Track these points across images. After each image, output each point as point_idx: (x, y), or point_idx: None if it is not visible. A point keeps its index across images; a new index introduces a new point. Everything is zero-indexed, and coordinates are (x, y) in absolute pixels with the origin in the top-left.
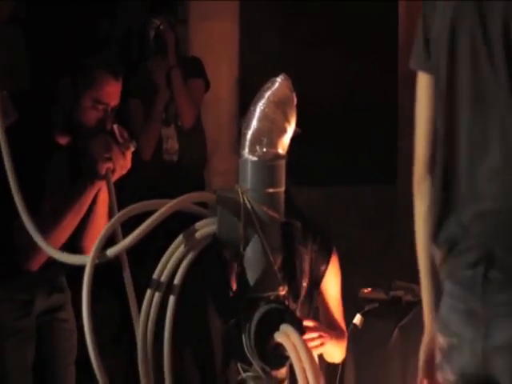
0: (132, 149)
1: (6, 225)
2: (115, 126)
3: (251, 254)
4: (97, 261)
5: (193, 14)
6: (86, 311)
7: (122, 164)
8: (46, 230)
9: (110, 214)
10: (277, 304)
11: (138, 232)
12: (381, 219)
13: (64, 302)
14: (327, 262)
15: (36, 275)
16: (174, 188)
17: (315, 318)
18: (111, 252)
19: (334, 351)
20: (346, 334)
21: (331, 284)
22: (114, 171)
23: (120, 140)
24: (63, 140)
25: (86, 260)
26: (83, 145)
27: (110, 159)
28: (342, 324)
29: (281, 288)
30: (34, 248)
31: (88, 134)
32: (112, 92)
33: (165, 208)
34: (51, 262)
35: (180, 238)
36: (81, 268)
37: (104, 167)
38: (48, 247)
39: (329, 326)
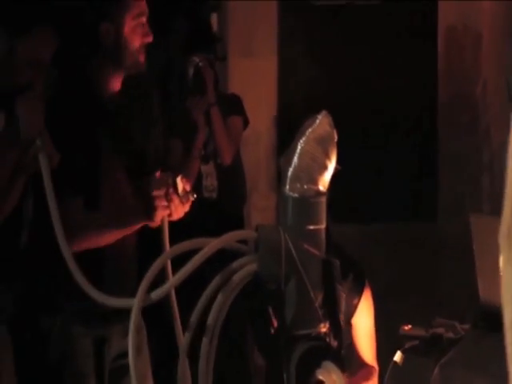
0: (191, 199)
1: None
2: (179, 179)
3: (292, 291)
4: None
5: (232, 51)
6: (132, 354)
7: (180, 213)
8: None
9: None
10: (318, 341)
11: (183, 272)
12: (421, 256)
13: (140, 344)
14: (359, 296)
15: (110, 311)
16: (213, 225)
17: (348, 354)
18: (156, 294)
19: None
20: (377, 369)
21: (363, 318)
22: (170, 216)
23: (181, 193)
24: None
25: (132, 303)
26: (142, 181)
27: (168, 207)
28: (374, 360)
29: (322, 325)
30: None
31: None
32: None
33: (208, 247)
34: None
35: (220, 275)
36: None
37: (160, 215)
38: (94, 292)
39: (359, 362)
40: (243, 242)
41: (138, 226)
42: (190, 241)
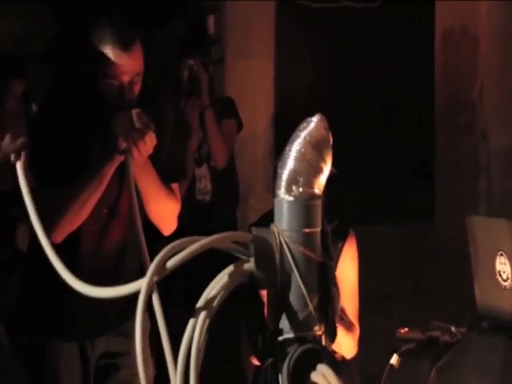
0: (151, 135)
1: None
2: (134, 111)
3: (287, 293)
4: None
5: (229, 53)
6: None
7: (142, 148)
8: (65, 205)
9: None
10: (313, 344)
11: (177, 259)
12: (418, 257)
13: (128, 349)
14: (344, 240)
15: (89, 320)
16: (206, 228)
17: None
18: (169, 268)
19: (342, 341)
20: (358, 329)
21: (347, 270)
22: (132, 154)
23: (137, 125)
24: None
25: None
26: (106, 121)
27: (128, 138)
28: (355, 318)
29: (317, 328)
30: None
31: (109, 111)
32: (123, 64)
33: (203, 241)
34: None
35: (218, 278)
36: None
37: (122, 143)
38: (87, 287)
39: (339, 315)
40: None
41: (109, 165)
42: (188, 238)
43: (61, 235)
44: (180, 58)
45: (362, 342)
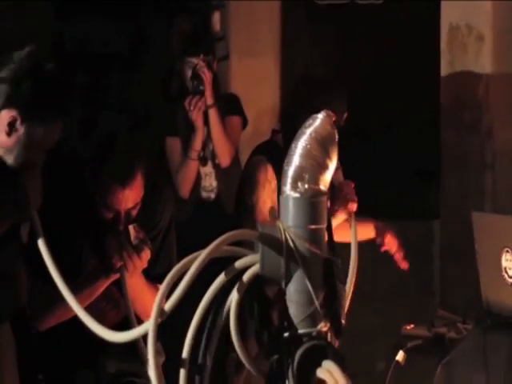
0: (147, 251)
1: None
2: (131, 227)
3: (293, 290)
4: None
5: (234, 50)
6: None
7: (137, 264)
8: (54, 304)
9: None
10: (319, 340)
11: (188, 278)
12: (423, 254)
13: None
14: None
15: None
16: (211, 225)
17: None
18: (168, 306)
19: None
20: None
21: None
22: (127, 269)
23: (134, 241)
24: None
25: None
26: (101, 239)
27: (122, 258)
28: None
29: (323, 324)
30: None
31: (105, 231)
32: (120, 198)
33: (211, 247)
34: None
35: (222, 277)
36: None
37: (116, 265)
38: (98, 327)
39: None
40: (237, 245)
41: (102, 281)
42: (193, 256)
43: (45, 326)
44: (184, 57)
45: (368, 340)
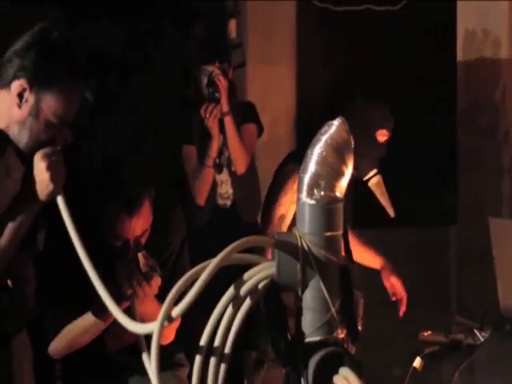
0: (157, 278)
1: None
2: (140, 254)
3: (310, 297)
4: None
5: (251, 57)
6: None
7: (147, 291)
8: (64, 333)
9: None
10: (336, 347)
11: (200, 282)
12: (441, 260)
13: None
14: None
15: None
16: (227, 233)
17: None
18: (176, 312)
19: None
20: None
21: None
22: (138, 297)
23: (144, 269)
24: None
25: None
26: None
27: (132, 286)
28: None
29: (339, 331)
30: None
31: (114, 259)
32: (128, 228)
33: (224, 252)
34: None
35: (237, 283)
36: None
37: (127, 293)
38: (120, 314)
39: None
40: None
41: (111, 317)
42: (206, 262)
43: (60, 353)
44: (199, 64)
45: (385, 346)
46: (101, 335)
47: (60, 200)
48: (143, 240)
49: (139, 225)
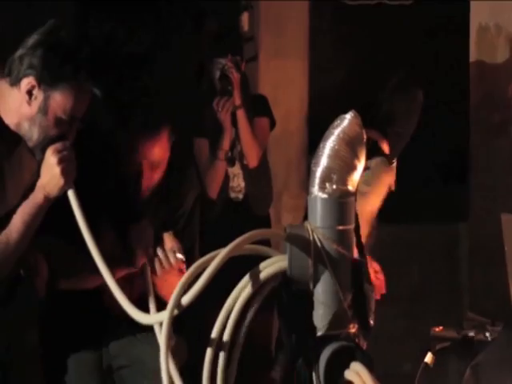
0: (181, 263)
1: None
2: (166, 234)
3: (321, 291)
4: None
5: (263, 50)
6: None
7: (166, 267)
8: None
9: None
10: (347, 342)
11: (209, 271)
12: (453, 256)
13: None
14: None
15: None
16: (239, 226)
17: None
18: (186, 300)
19: None
20: None
21: None
22: (153, 272)
23: (169, 251)
24: None
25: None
26: (123, 230)
27: (146, 253)
28: None
29: (351, 325)
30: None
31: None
32: (141, 150)
33: (234, 243)
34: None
35: (248, 276)
36: None
37: (140, 261)
38: (128, 306)
39: None
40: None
41: (121, 274)
42: (216, 252)
43: (64, 286)
44: (212, 57)
45: (396, 341)
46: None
47: (71, 194)
48: (156, 177)
49: (154, 152)
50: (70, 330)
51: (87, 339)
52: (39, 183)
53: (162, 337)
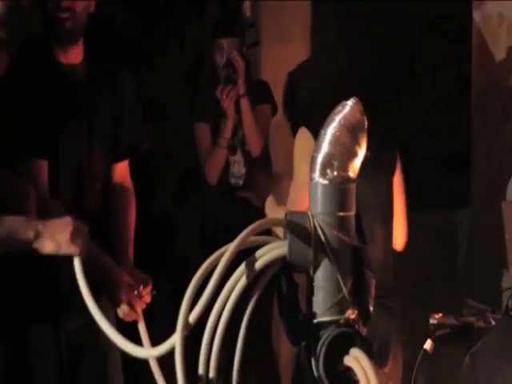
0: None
1: None
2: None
3: (321, 277)
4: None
5: (265, 36)
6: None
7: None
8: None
9: None
10: (347, 328)
11: (217, 275)
12: (453, 243)
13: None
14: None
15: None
16: (238, 211)
17: None
18: (193, 317)
19: None
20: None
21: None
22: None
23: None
24: None
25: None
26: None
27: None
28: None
29: (351, 311)
30: None
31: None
32: None
33: (238, 239)
34: None
35: (247, 262)
36: None
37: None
38: (127, 344)
39: None
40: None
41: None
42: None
43: None
44: (213, 39)
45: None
46: None
47: (77, 263)
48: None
49: None
50: (20, 303)
51: (41, 313)
52: (50, 231)
53: (176, 358)
